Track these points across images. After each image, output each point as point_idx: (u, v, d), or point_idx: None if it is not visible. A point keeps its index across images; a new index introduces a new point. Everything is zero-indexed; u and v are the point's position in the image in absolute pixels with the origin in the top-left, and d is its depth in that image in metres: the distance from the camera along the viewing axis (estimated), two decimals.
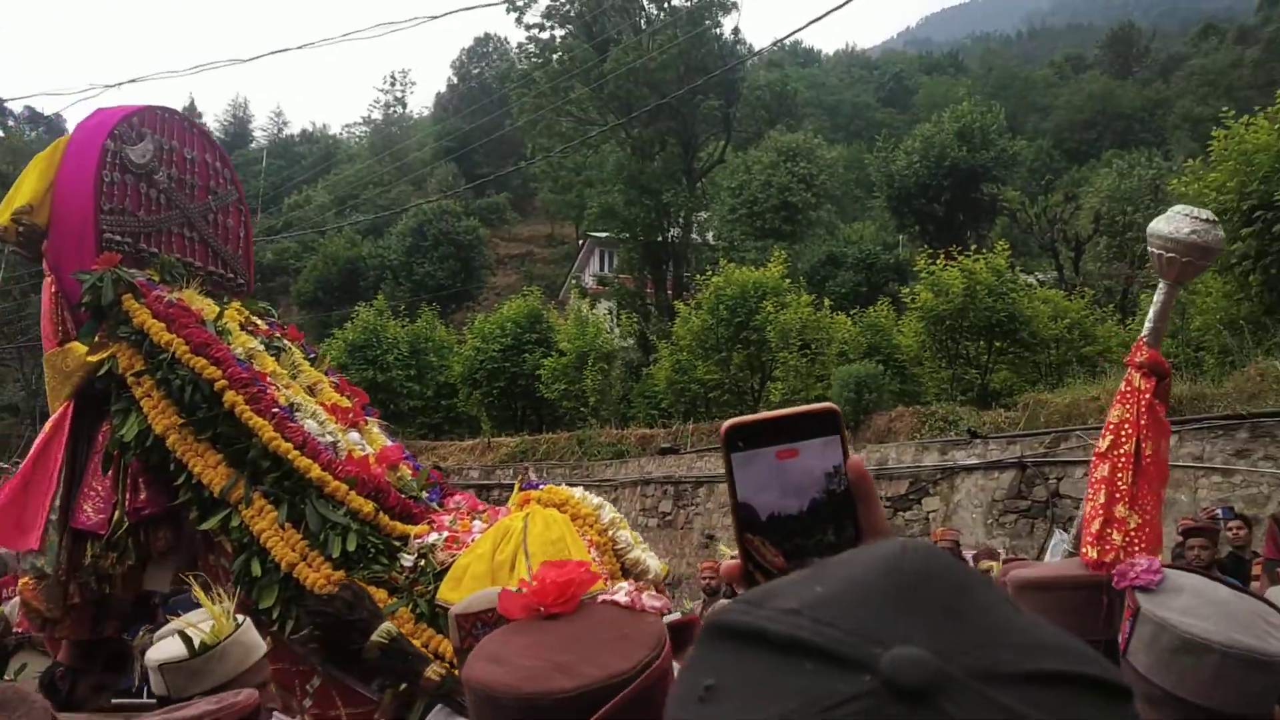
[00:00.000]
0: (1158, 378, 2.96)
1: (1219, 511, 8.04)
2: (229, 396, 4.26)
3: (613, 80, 32.40)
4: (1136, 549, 2.69)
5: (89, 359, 4.51)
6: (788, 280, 20.00)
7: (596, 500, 3.91)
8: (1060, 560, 3.45)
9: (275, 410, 4.32)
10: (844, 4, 12.68)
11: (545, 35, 35.08)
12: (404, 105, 69.50)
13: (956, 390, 16.54)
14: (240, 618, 2.86)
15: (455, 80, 52.89)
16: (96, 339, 4.54)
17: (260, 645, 2.88)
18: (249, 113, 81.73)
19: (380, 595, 3.74)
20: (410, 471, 4.70)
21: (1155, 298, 3.00)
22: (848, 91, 70.21)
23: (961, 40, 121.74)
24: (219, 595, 2.90)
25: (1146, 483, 2.85)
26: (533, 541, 3.44)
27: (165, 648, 2.71)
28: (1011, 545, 10.83)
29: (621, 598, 1.60)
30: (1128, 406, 2.93)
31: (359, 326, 24.19)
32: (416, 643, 3.45)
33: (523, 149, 45.38)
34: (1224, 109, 14.60)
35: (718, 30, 34.02)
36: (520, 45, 37.83)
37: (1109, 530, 2.75)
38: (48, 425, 4.68)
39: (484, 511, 4.23)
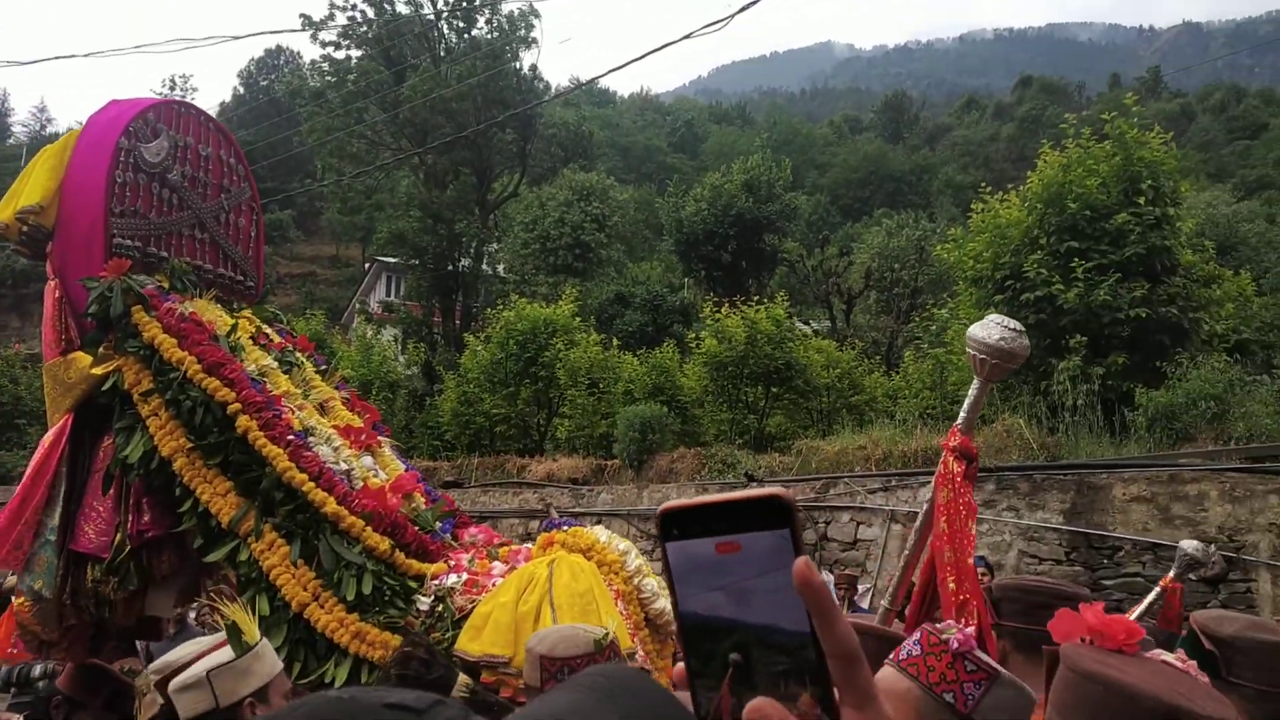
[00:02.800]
0: (967, 461, 3.27)
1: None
2: (242, 421, 4.02)
3: (409, 106, 32.10)
4: (966, 613, 2.96)
5: (93, 371, 4.19)
6: (578, 318, 20.29)
7: (623, 545, 3.73)
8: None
9: (290, 437, 4.08)
10: (645, 55, 13.08)
11: (341, 55, 34.37)
12: None
13: (735, 433, 17.19)
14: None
15: (242, 90, 50.96)
16: (101, 350, 4.22)
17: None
18: (8, 106, 76.05)
19: (395, 642, 3.52)
20: (424, 500, 4.45)
21: (970, 391, 3.31)
22: (641, 134, 71.94)
23: (749, 93, 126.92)
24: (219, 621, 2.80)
25: (950, 550, 3.16)
26: (559, 592, 3.30)
27: (208, 659, 2.65)
28: None
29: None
30: (948, 489, 3.23)
31: None
32: None
33: (310, 166, 44.15)
34: (982, 182, 15.92)
35: (516, 65, 34.30)
36: (314, 63, 36.87)
37: (968, 613, 3.00)
38: (45, 439, 4.33)
39: (501, 546, 3.99)
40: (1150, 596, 4.64)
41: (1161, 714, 1.58)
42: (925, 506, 3.47)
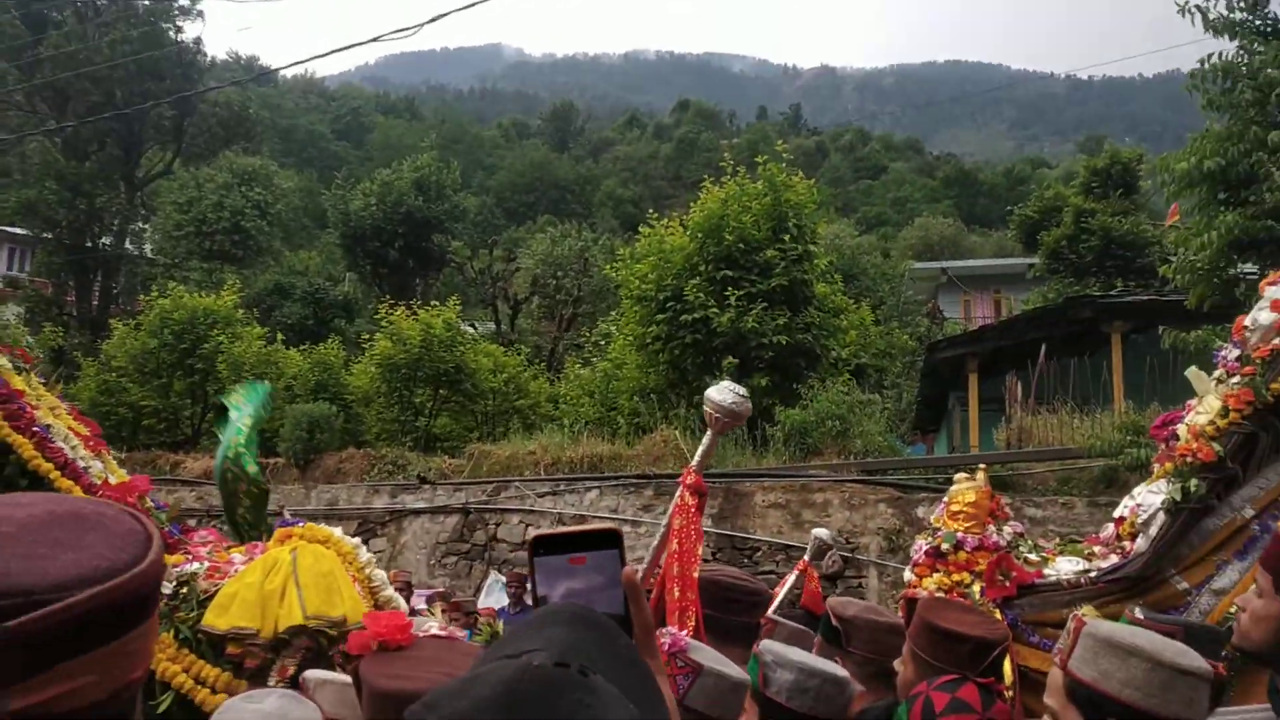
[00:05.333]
0: (700, 496, 3.92)
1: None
2: None
3: (49, 65, 29.44)
4: (686, 616, 3.50)
5: None
6: (241, 310, 19.60)
7: (354, 540, 3.96)
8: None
9: (35, 429, 4.07)
10: (338, 51, 13.09)
11: None
12: None
13: (401, 432, 17.32)
14: None
15: None
16: None
17: None
18: None
19: None
20: (151, 505, 4.43)
21: (704, 440, 3.93)
22: (304, 117, 69.51)
23: (418, 86, 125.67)
24: None
25: (679, 565, 3.73)
26: (304, 573, 3.51)
27: None
28: (452, 584, 11.75)
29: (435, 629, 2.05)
30: (684, 518, 3.81)
31: None
32: (177, 667, 3.40)
33: None
34: (640, 197, 17.14)
35: (177, 35, 32.35)
36: None
37: (688, 617, 3.54)
38: None
39: (231, 547, 4.09)
40: (790, 579, 5.43)
41: None
42: (662, 529, 4.07)
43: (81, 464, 4.22)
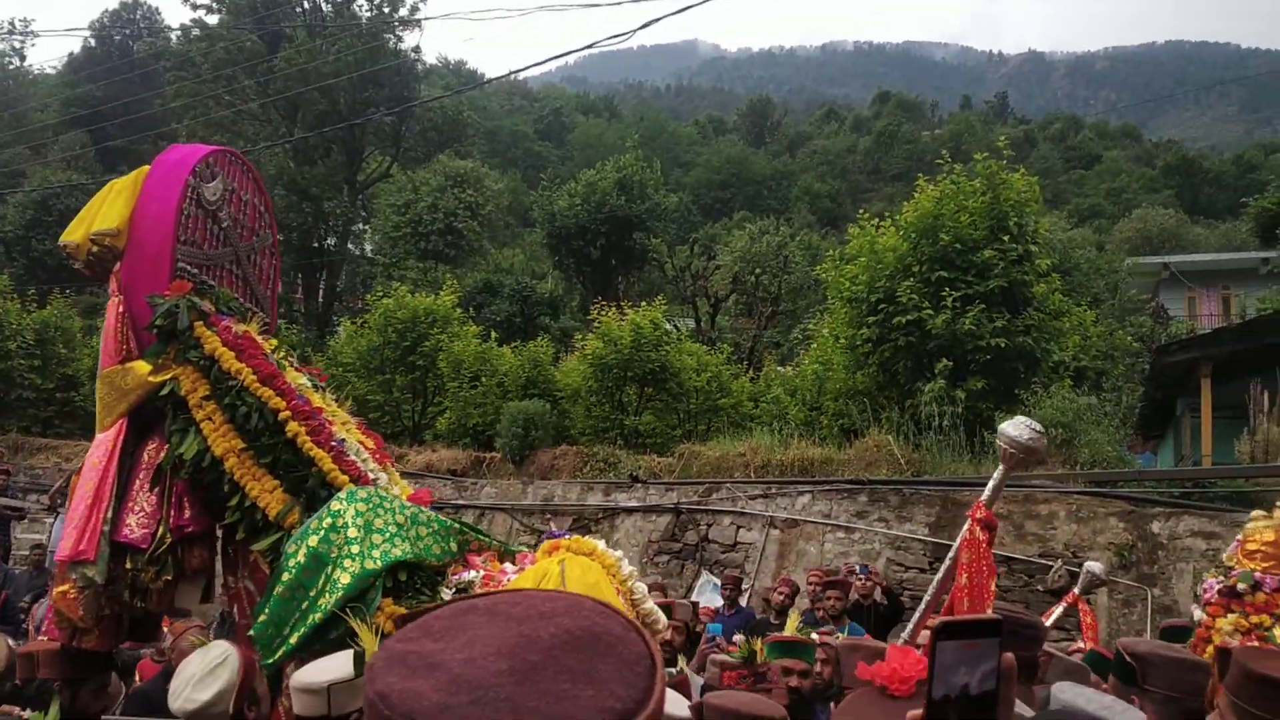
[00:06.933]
0: (990, 530, 3.89)
1: (857, 569, 9.44)
2: (292, 426, 4.42)
3: (282, 78, 31.39)
4: None
5: (151, 379, 4.59)
6: (459, 310, 20.42)
7: (617, 553, 4.24)
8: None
9: (333, 444, 4.49)
10: (559, 56, 13.40)
11: (213, 20, 33.36)
12: (23, 58, 62.66)
13: (607, 429, 17.65)
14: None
15: (94, 44, 48.63)
16: (160, 360, 4.64)
17: None
18: None
19: None
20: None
21: (995, 474, 3.90)
22: (507, 119, 71.65)
23: (615, 85, 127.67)
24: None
25: (969, 601, 3.71)
26: (572, 583, 3.69)
27: (328, 670, 2.99)
28: (665, 583, 11.91)
29: None
30: (974, 552, 3.80)
31: None
32: None
33: (164, 129, 42.50)
34: (837, 190, 16.76)
35: (397, 45, 33.93)
36: (183, 26, 35.64)
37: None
38: (104, 441, 4.69)
39: (503, 557, 4.44)
40: (1058, 610, 5.28)
41: None
42: (948, 561, 4.06)
43: (371, 476, 4.53)
